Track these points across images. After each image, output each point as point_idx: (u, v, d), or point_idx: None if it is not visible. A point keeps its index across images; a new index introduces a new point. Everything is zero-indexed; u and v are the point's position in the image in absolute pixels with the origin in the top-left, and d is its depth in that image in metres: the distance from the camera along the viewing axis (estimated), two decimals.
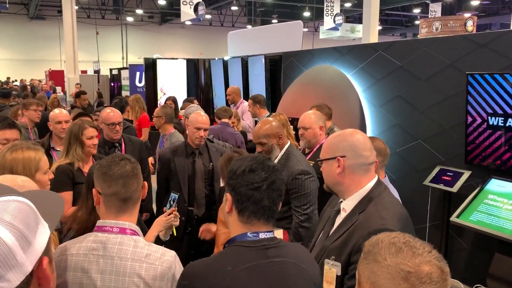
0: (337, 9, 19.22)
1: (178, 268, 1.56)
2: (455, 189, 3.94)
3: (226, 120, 4.78)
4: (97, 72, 16.51)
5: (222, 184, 3.45)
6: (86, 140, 3.02)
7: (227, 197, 1.46)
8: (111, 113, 3.54)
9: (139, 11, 26.72)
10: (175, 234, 2.59)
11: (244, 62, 7.46)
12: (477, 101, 3.92)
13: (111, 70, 14.54)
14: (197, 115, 3.44)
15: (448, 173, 4.13)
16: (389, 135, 5.02)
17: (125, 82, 12.34)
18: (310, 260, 1.55)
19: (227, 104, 6.85)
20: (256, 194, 1.40)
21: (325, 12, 19.12)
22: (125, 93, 11.34)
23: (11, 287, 0.74)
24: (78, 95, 9.08)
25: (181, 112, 5.39)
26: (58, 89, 17.62)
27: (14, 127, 3.03)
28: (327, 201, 2.72)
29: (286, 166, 2.85)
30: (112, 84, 14.11)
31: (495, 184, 3.80)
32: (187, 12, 14.09)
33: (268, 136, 2.87)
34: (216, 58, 8.68)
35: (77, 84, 13.14)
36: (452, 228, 4.11)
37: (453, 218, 3.81)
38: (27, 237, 0.77)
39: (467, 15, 19.78)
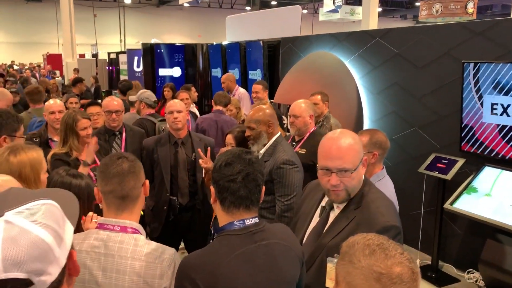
0: None
1: (178, 266, 1.59)
2: (449, 176, 4.00)
3: (220, 108, 4.80)
4: (95, 56, 16.41)
5: (203, 176, 3.50)
6: (80, 131, 3.09)
7: (211, 189, 1.58)
8: (110, 101, 3.58)
9: None
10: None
11: (243, 47, 7.44)
12: (472, 90, 3.95)
13: (109, 54, 14.46)
14: (172, 102, 3.50)
15: (442, 161, 4.18)
16: (385, 122, 5.06)
17: (123, 66, 12.29)
18: (292, 237, 1.67)
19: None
20: (232, 186, 1.51)
21: None
22: (123, 77, 11.30)
23: (52, 279, 0.84)
24: (74, 83, 8.97)
25: (133, 98, 5.17)
26: (57, 73, 17.53)
27: None
28: None
29: (272, 156, 2.89)
30: (110, 68, 14.05)
31: (488, 172, 3.86)
32: None
33: (259, 122, 2.90)
34: (214, 43, 8.65)
35: (75, 69, 13.05)
36: (446, 214, 4.19)
37: (446, 205, 3.88)
38: (60, 234, 0.87)
39: None
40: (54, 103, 3.67)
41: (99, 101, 4.56)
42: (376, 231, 1.63)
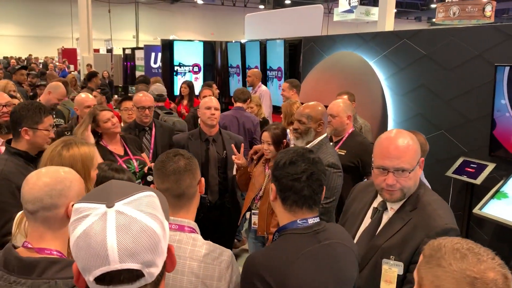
0: None
1: (235, 268, 1.57)
2: (478, 181, 3.94)
3: (240, 104, 4.77)
4: (109, 51, 16.45)
5: (234, 173, 3.48)
6: (103, 124, 3.11)
7: (272, 186, 1.59)
8: (142, 97, 3.57)
9: None
10: None
11: (262, 46, 7.41)
12: (505, 94, 3.89)
13: (124, 49, 14.50)
14: (208, 98, 3.51)
15: (471, 165, 4.12)
16: (411, 124, 5.00)
17: (139, 62, 12.31)
18: (349, 238, 1.67)
19: (245, 86, 6.83)
20: (296, 185, 1.51)
21: None
22: (139, 73, 11.32)
23: (158, 271, 0.84)
24: (89, 78, 8.99)
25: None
26: (71, 67, 17.61)
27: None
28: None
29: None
30: (125, 63, 14.08)
31: None
32: None
33: (311, 117, 2.86)
34: (233, 41, 8.63)
35: (87, 65, 13.05)
36: (473, 220, 4.13)
37: (476, 210, 3.82)
38: (165, 226, 0.86)
39: None
40: (87, 97, 3.67)
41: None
42: (435, 233, 1.61)
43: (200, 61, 8.78)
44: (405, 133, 1.79)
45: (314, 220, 1.54)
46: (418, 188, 1.79)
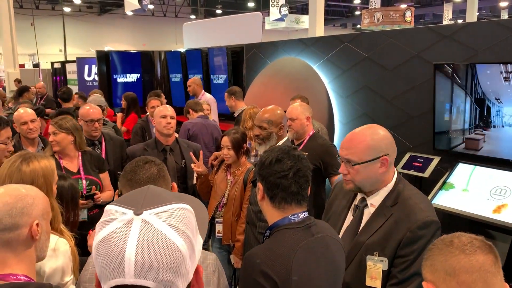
0: (282, 0, 19.35)
1: (221, 271, 1.54)
2: (426, 174, 4.14)
3: (202, 113, 4.71)
4: (36, 65, 15.60)
5: (194, 182, 3.41)
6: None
7: (259, 186, 1.60)
8: (90, 110, 3.39)
9: (77, 1, 25.47)
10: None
11: (204, 54, 7.36)
12: (444, 90, 4.13)
13: (52, 63, 13.79)
14: (163, 107, 3.45)
15: (418, 159, 4.32)
16: (357, 125, 5.07)
17: (71, 76, 11.77)
18: (336, 233, 1.71)
19: (187, 97, 6.73)
20: (284, 182, 1.53)
21: (271, 3, 19.21)
22: (73, 88, 10.81)
23: None
24: (20, 93, 8.41)
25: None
26: None
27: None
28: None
29: None
30: (55, 78, 13.41)
31: (462, 169, 4.04)
32: (130, 2, 13.55)
33: (271, 122, 2.87)
34: (172, 50, 8.50)
35: (15, 80, 12.27)
36: None
37: None
38: (193, 245, 0.77)
39: (403, 6, 20.69)
40: (25, 112, 3.43)
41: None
42: (417, 226, 1.65)
43: (138, 71, 8.56)
44: (372, 129, 1.83)
45: (304, 214, 1.57)
46: (397, 183, 1.82)
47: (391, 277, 1.68)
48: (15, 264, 1.29)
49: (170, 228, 0.74)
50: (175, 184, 1.67)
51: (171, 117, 3.29)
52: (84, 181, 3.01)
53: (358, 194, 1.87)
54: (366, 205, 1.83)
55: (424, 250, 1.61)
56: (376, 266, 1.69)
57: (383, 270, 1.69)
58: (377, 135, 1.80)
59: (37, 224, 1.35)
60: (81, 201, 2.62)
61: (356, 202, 1.89)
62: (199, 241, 0.82)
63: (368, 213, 1.82)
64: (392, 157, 1.80)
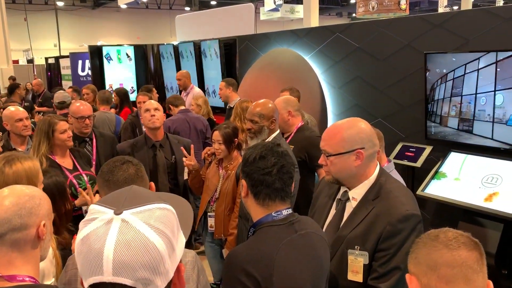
0: None
1: (201, 268, 1.55)
2: (418, 164, 4.15)
3: (183, 107, 4.69)
4: (30, 61, 15.51)
5: (186, 177, 3.41)
6: (59, 135, 2.92)
7: (242, 183, 1.61)
8: (80, 107, 3.39)
9: None
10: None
11: (197, 47, 7.33)
12: (435, 79, 4.13)
13: (46, 59, 13.72)
14: (148, 101, 3.42)
15: (410, 149, 4.33)
16: (349, 115, 5.15)
17: (65, 71, 11.72)
18: (320, 229, 1.74)
19: (179, 90, 6.73)
20: (267, 178, 1.54)
21: None
22: (67, 83, 10.77)
23: None
24: (11, 90, 8.39)
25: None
26: None
27: None
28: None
29: None
30: (49, 73, 13.35)
31: (454, 157, 4.05)
32: None
33: (262, 116, 2.85)
34: (165, 43, 8.46)
35: (10, 77, 12.21)
36: (417, 201, 4.33)
37: (419, 191, 4.02)
38: (173, 244, 0.79)
39: None
40: (17, 110, 3.42)
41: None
42: (397, 220, 1.66)
43: (132, 65, 8.51)
44: (351, 122, 1.83)
45: (287, 211, 1.57)
46: (380, 177, 1.81)
47: (372, 271, 1.69)
48: (21, 265, 1.30)
49: (149, 227, 0.76)
50: (153, 184, 1.67)
51: (155, 109, 3.27)
52: (85, 177, 3.03)
53: (341, 187, 1.87)
54: (348, 198, 1.84)
55: (405, 244, 1.63)
56: (357, 260, 1.70)
57: (364, 264, 1.69)
58: (353, 129, 1.79)
59: (44, 224, 1.37)
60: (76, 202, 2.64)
61: (339, 196, 1.89)
62: (181, 240, 0.83)
63: (350, 206, 1.82)
64: (369, 151, 1.79)
